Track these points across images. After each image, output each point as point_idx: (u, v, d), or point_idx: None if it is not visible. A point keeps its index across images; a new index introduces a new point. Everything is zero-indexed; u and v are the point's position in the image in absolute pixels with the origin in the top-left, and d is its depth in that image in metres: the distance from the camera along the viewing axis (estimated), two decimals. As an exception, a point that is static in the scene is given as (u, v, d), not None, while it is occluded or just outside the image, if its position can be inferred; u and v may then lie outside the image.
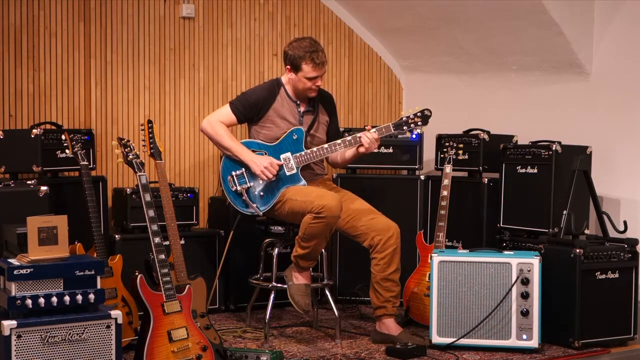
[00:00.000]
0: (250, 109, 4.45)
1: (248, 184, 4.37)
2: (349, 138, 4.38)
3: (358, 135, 4.36)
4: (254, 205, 4.35)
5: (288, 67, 4.42)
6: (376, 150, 4.89)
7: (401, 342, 4.17)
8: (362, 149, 4.37)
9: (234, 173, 4.39)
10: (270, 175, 4.30)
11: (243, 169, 4.38)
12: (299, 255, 4.25)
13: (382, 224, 4.31)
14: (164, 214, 3.85)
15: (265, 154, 4.40)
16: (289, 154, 4.38)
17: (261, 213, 4.37)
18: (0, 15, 4.87)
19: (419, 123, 4.38)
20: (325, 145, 4.41)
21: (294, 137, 4.41)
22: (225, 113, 4.47)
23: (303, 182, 4.37)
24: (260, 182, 4.36)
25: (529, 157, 4.81)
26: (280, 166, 4.34)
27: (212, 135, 4.45)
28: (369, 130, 4.35)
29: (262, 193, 4.37)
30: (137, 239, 4.64)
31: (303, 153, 4.38)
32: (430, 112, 4.42)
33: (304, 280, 4.29)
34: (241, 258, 5.02)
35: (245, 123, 4.56)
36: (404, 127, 4.38)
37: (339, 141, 4.40)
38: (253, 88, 4.65)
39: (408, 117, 4.39)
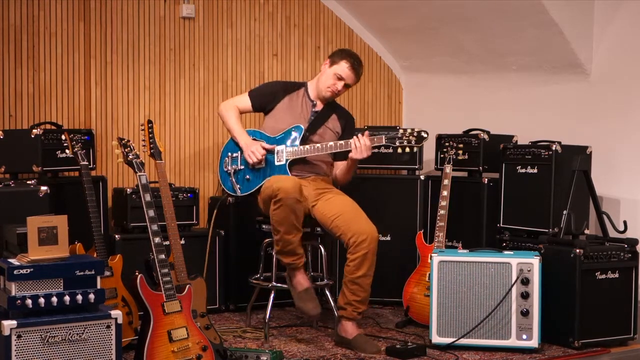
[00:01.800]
0: (265, 97, 4.59)
1: (239, 166, 4.49)
2: (341, 141, 4.38)
3: (350, 140, 4.33)
4: (237, 186, 4.50)
5: (328, 60, 4.56)
6: (375, 151, 4.89)
7: (357, 345, 4.18)
8: (351, 154, 4.32)
9: (230, 154, 4.54)
10: (255, 158, 4.40)
11: (239, 152, 4.51)
12: (277, 252, 4.29)
13: (358, 227, 4.23)
14: (164, 214, 3.85)
15: None
16: (283, 147, 4.45)
17: (239, 194, 4.50)
18: (0, 15, 4.87)
19: (413, 142, 4.28)
20: (318, 145, 4.43)
21: (293, 134, 4.47)
22: (242, 98, 4.65)
23: (288, 174, 4.40)
24: (250, 167, 4.45)
25: (529, 157, 4.81)
26: (270, 152, 4.42)
27: (222, 115, 4.62)
28: (363, 134, 4.30)
29: (248, 177, 4.48)
30: (137, 239, 4.64)
31: (296, 147, 4.43)
32: (427, 133, 4.30)
33: (302, 285, 4.26)
34: (241, 258, 5.02)
35: (260, 112, 4.66)
36: (397, 142, 4.29)
37: (331, 143, 4.40)
38: (276, 80, 4.93)
39: (404, 132, 4.31)
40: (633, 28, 5.02)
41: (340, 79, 4.48)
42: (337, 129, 4.60)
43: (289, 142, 4.45)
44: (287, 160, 4.42)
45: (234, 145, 4.55)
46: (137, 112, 5.30)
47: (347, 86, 4.52)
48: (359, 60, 4.53)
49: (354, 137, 4.31)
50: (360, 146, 4.27)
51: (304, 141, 4.45)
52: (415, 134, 4.29)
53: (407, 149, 4.28)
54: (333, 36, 6.01)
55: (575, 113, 5.29)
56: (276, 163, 4.43)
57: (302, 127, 4.47)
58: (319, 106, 4.58)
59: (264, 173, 4.44)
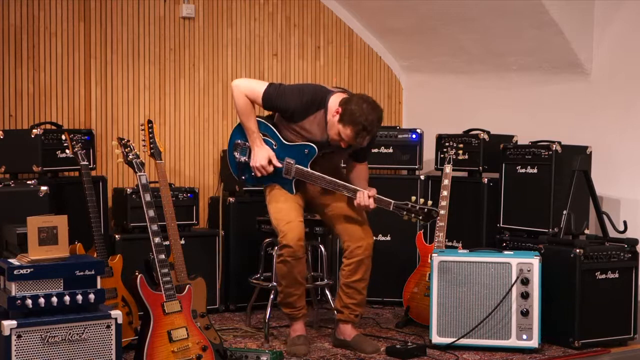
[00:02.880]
0: (276, 109, 4.26)
1: (247, 159, 4.29)
2: (352, 186, 4.19)
3: (359, 189, 4.15)
4: (243, 176, 4.33)
5: (340, 109, 4.05)
6: (375, 150, 4.80)
7: (356, 346, 4.17)
8: (355, 201, 4.17)
9: (241, 141, 4.31)
10: (259, 175, 4.24)
11: (249, 146, 4.28)
12: (278, 301, 4.27)
13: (355, 232, 4.20)
14: (164, 214, 3.85)
15: (275, 145, 4.26)
16: (293, 161, 4.25)
17: (244, 183, 4.45)
18: (0, 15, 4.87)
19: (420, 218, 4.10)
20: (329, 178, 4.20)
21: (305, 152, 4.23)
22: (257, 91, 4.18)
23: (292, 190, 4.26)
24: None
25: (529, 157, 4.81)
26: (279, 168, 4.24)
27: (235, 102, 4.24)
28: (371, 195, 4.12)
29: (254, 172, 4.30)
30: (137, 239, 4.63)
31: (305, 169, 4.23)
32: (437, 214, 4.16)
33: (296, 332, 4.24)
34: (241, 258, 5.02)
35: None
36: (404, 212, 4.12)
37: (342, 182, 4.21)
38: (295, 92, 4.18)
39: (414, 206, 4.10)
40: (633, 28, 5.02)
41: (343, 141, 4.10)
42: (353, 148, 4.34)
43: (299, 158, 4.24)
44: (294, 178, 4.25)
45: (244, 133, 4.28)
46: (137, 112, 5.30)
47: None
48: (369, 128, 4.01)
49: (362, 192, 4.11)
50: (363, 203, 4.11)
51: (316, 159, 4.24)
52: (425, 210, 4.09)
53: (413, 220, 4.15)
54: (333, 36, 6.01)
55: (575, 113, 5.29)
56: (283, 175, 4.24)
57: (316, 149, 4.21)
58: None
59: (270, 176, 4.27)
